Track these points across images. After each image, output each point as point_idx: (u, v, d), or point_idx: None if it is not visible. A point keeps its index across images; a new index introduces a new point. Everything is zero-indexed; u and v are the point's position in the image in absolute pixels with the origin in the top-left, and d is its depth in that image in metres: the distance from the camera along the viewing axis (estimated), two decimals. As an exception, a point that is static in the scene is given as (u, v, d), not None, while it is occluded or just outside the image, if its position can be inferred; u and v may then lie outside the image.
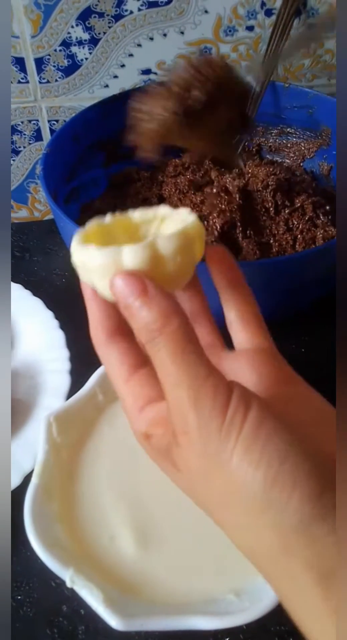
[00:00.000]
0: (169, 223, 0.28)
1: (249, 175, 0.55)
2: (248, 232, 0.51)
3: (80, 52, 0.56)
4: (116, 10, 0.53)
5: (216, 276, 0.29)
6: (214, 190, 0.52)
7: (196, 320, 0.30)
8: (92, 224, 0.27)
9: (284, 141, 0.61)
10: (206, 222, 0.50)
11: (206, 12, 0.54)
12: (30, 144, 0.62)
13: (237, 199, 0.51)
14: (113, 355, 0.27)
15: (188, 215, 0.27)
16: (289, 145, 0.61)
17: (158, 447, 0.25)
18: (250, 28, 0.56)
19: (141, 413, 0.26)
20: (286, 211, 0.52)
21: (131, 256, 0.24)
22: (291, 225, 0.52)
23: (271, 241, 0.51)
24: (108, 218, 0.28)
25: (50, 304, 0.53)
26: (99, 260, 0.24)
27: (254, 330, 0.29)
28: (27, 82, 0.57)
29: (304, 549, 0.20)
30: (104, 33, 0.55)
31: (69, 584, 0.33)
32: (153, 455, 0.26)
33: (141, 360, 0.27)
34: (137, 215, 0.28)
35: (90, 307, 0.28)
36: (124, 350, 0.27)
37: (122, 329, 0.27)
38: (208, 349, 0.29)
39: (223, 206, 0.50)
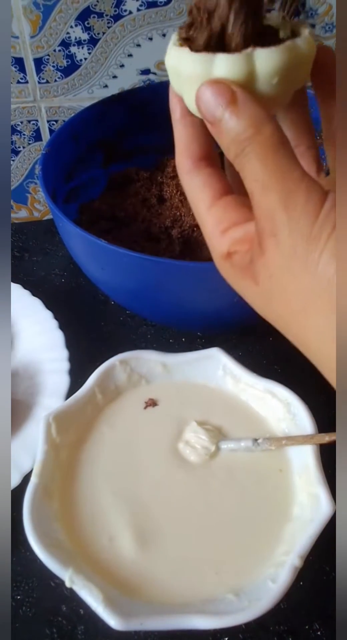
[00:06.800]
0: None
1: None
2: None
3: (80, 52, 0.56)
4: (115, 11, 0.53)
5: (317, 86, 0.26)
6: None
7: (295, 149, 0.27)
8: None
9: (283, 141, 0.61)
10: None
11: (205, 12, 0.54)
12: (29, 144, 0.62)
13: None
14: (196, 182, 0.26)
15: (304, 29, 0.23)
16: (288, 145, 0.61)
17: (240, 264, 0.24)
18: (249, 28, 0.56)
19: (224, 235, 0.25)
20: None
21: (224, 66, 0.21)
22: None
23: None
24: None
25: (49, 304, 0.53)
26: (189, 66, 0.22)
27: None
28: (27, 82, 0.57)
29: None
30: (103, 33, 0.55)
31: (68, 584, 0.33)
32: (232, 274, 0.25)
33: (227, 188, 0.26)
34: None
35: (178, 130, 0.26)
36: (209, 176, 0.26)
37: (208, 156, 0.26)
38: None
39: None
